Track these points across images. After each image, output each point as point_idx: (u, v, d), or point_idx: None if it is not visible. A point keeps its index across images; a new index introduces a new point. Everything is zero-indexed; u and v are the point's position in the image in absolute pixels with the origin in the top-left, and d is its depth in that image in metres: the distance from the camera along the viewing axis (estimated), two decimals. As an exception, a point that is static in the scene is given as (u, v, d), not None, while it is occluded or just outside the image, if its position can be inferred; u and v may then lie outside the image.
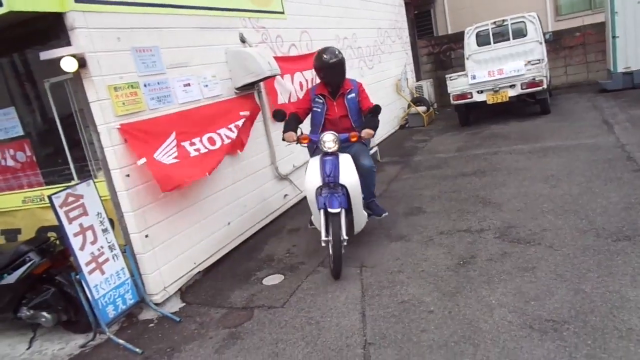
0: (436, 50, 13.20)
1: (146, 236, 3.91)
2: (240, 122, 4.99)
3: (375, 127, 4.13)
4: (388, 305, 3.37)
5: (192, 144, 4.27)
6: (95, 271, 3.55)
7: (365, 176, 4.23)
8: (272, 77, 5.37)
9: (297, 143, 4.19)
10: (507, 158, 6.56)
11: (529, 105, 9.23)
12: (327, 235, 3.84)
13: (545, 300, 3.07)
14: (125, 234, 3.87)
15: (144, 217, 3.90)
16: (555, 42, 11.31)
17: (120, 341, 3.54)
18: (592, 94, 10.00)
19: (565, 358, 2.52)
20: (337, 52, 4.28)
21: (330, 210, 3.79)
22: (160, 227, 4.06)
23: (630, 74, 9.49)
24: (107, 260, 3.66)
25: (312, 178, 4.04)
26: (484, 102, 8.85)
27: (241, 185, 5.19)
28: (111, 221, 3.79)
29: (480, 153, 7.14)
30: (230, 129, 4.83)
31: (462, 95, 8.98)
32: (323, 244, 3.87)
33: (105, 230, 3.69)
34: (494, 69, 8.71)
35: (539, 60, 8.63)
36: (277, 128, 5.92)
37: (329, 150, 3.97)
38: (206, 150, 4.41)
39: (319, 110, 4.37)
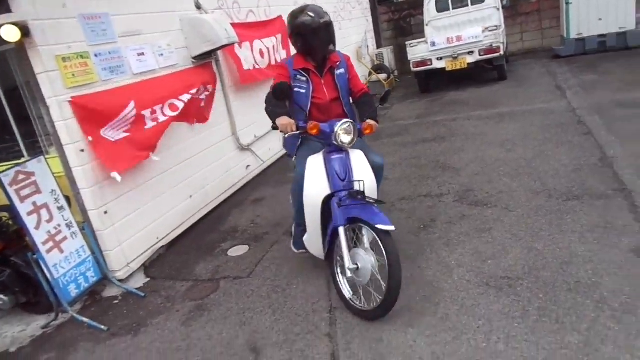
0: (396, 17, 13.16)
1: (105, 212, 3.82)
2: (196, 91, 4.86)
3: (377, 117, 3.22)
4: (352, 271, 3.44)
5: (154, 111, 4.14)
6: (54, 250, 3.46)
7: (376, 176, 3.18)
8: (230, 45, 5.24)
9: (299, 134, 3.05)
10: (465, 124, 6.70)
11: (487, 71, 9.40)
12: (352, 262, 2.84)
13: (501, 259, 3.21)
14: (83, 211, 3.76)
15: (101, 193, 3.80)
16: (512, 9, 11.46)
17: (84, 319, 3.49)
18: (547, 60, 10.26)
19: (519, 312, 2.66)
20: (323, 11, 3.17)
21: (381, 227, 2.67)
22: (119, 202, 3.97)
23: (582, 40, 9.77)
24: (65, 238, 3.56)
25: (315, 185, 3.00)
26: (444, 69, 8.95)
27: (202, 158, 5.11)
28: (67, 198, 3.68)
29: (440, 119, 7.26)
30: (190, 94, 4.70)
31: (422, 62, 9.03)
32: (349, 274, 2.81)
33: (61, 208, 3.57)
34: (452, 36, 8.78)
35: (496, 26, 8.75)
36: (238, 98, 5.86)
37: (346, 146, 2.98)
38: (165, 117, 4.29)
39: (302, 91, 3.20)
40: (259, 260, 3.95)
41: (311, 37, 3.10)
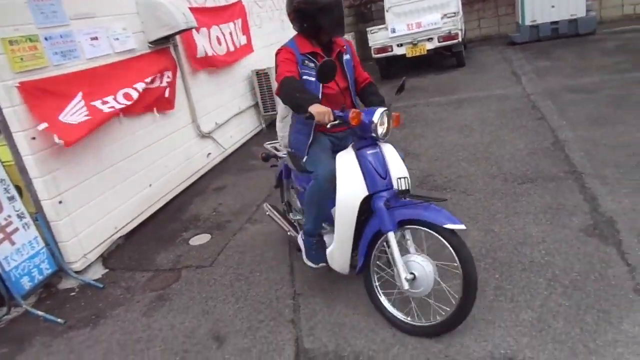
0: (357, 3, 13.13)
1: (60, 202, 3.68)
2: (151, 79, 4.72)
3: None
4: (315, 257, 3.46)
5: (105, 102, 4.00)
6: (4, 242, 3.31)
7: None
8: (188, 30, 5.11)
9: (338, 124, 2.52)
10: (425, 110, 6.80)
11: (446, 58, 9.54)
12: (408, 272, 2.43)
13: (460, 242, 3.30)
14: (36, 201, 3.61)
15: (55, 183, 3.65)
16: (470, -4, 11.64)
17: (39, 312, 3.38)
18: (503, 47, 10.51)
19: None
20: None
21: (451, 226, 2.30)
22: (75, 192, 3.83)
23: (537, 27, 10.05)
24: (16, 230, 3.42)
25: (351, 187, 2.56)
26: (404, 55, 9.02)
27: (161, 145, 4.98)
28: (18, 188, 3.52)
29: (400, 106, 7.33)
30: (146, 83, 4.56)
31: (383, 49, 9.08)
32: (406, 285, 2.41)
33: (11, 198, 3.42)
34: (412, 22, 8.85)
35: (454, 13, 8.86)
36: (198, 84, 5.73)
37: (382, 139, 2.62)
38: (122, 105, 4.14)
39: (312, 79, 2.73)
40: (221, 249, 3.92)
41: (321, 15, 2.66)
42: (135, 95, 4.31)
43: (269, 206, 3.71)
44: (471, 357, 2.33)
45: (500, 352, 2.32)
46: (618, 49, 8.18)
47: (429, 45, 8.82)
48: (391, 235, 2.43)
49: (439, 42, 8.73)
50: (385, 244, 2.55)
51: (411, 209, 2.45)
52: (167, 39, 5.04)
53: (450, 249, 2.34)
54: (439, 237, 2.37)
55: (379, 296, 2.69)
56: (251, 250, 3.80)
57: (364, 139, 2.60)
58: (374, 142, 2.60)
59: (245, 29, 6.98)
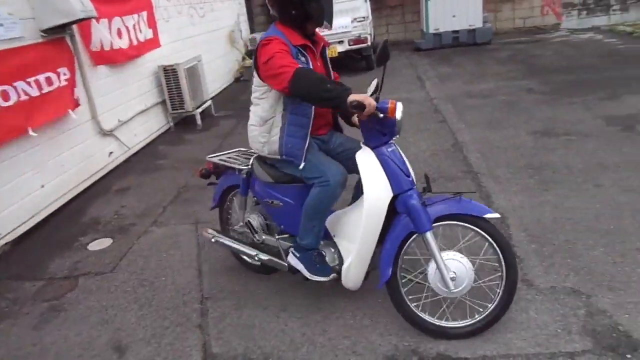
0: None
1: None
2: (52, 74, 4.36)
3: None
4: (225, 259, 3.38)
5: None
6: None
7: None
8: (87, 19, 4.76)
9: (383, 117, 2.22)
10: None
11: (357, 61, 9.81)
12: (453, 273, 2.31)
13: (367, 240, 3.39)
14: None
15: None
16: (379, 2, 12.08)
17: None
18: (409, 52, 11.03)
19: (381, 290, 2.84)
20: None
21: (489, 216, 2.25)
22: (-51, 194, 3.42)
23: (439, 35, 10.69)
24: None
25: (378, 189, 2.34)
26: (316, 56, 9.13)
27: (56, 143, 4.60)
28: None
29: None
30: (32, 83, 4.17)
31: (295, 49, 9.12)
32: (452, 287, 2.30)
33: None
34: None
35: (364, 17, 9.15)
36: (99, 78, 5.39)
37: (398, 136, 2.40)
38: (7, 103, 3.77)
39: None
40: (123, 254, 3.70)
41: (312, 2, 2.40)
42: (14, 96, 3.93)
43: (213, 231, 3.14)
44: (377, 351, 2.40)
45: (404, 345, 2.41)
46: (510, 58, 8.92)
47: (340, 48, 9.02)
48: (430, 235, 2.27)
49: (350, 45, 8.97)
50: (413, 245, 2.44)
51: (445, 205, 2.31)
52: (63, 28, 4.66)
53: (492, 241, 2.30)
54: (479, 230, 2.30)
55: (410, 305, 2.46)
56: (157, 254, 3.63)
57: (382, 135, 2.35)
58: (389, 139, 2.38)
59: (152, 22, 6.66)
